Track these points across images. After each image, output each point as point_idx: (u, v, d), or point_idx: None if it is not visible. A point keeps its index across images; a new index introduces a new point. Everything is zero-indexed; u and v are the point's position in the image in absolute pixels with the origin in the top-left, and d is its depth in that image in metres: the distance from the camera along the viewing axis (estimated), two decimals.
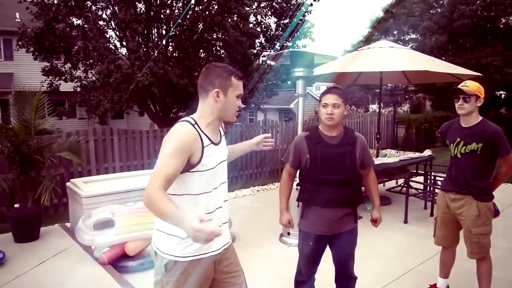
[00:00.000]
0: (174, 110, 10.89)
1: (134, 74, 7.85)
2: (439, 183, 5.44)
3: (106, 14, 9.78)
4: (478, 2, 20.19)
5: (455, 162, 2.74)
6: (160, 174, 1.46)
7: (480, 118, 2.66)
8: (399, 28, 23.05)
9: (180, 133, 1.56)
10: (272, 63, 9.22)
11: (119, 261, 3.39)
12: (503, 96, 22.80)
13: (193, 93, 8.94)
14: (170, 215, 1.35)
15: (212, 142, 1.65)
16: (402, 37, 23.61)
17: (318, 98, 2.46)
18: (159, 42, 9.92)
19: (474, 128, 2.63)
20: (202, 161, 1.58)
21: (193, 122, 1.62)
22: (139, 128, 7.42)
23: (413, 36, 23.36)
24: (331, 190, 2.28)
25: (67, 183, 4.62)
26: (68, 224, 4.71)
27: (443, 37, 19.42)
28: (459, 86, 2.63)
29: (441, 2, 21.22)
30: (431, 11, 21.26)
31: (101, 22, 9.71)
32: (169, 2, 9.51)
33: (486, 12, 19.78)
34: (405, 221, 4.87)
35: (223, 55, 10.45)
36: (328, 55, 4.34)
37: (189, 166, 1.56)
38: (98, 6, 9.66)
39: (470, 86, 2.60)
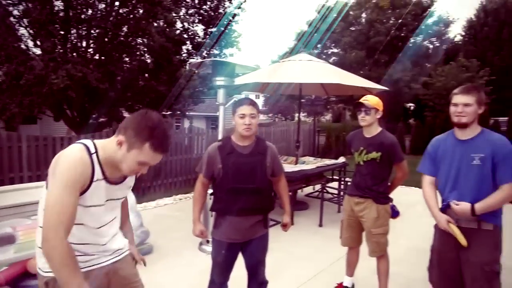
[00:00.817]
0: (94, 116, 10.33)
1: (48, 76, 7.30)
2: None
3: (18, 11, 9.00)
4: (391, 21, 22.18)
5: (359, 169, 2.98)
6: (63, 218, 1.29)
7: (380, 129, 2.93)
8: (322, 42, 24.41)
9: (70, 162, 1.35)
10: (197, 71, 9.20)
11: (19, 281, 3.10)
12: (412, 108, 25.20)
13: (115, 98, 8.58)
14: (67, 281, 1.29)
15: (106, 179, 1.46)
16: (325, 51, 25.03)
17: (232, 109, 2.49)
18: (78, 44, 9.37)
19: (374, 138, 2.89)
20: (85, 195, 1.40)
21: (92, 150, 1.42)
22: (54, 135, 6.92)
23: (335, 50, 24.91)
24: (243, 199, 2.33)
25: None
26: None
27: (362, 52, 21.01)
28: (360, 100, 2.88)
29: (359, 20, 22.93)
30: (351, 28, 22.91)
31: (11, 19, 8.89)
32: (91, 1, 9.03)
33: (398, 32, 21.84)
34: (320, 225, 5.14)
35: (148, 60, 10.18)
36: (248, 66, 4.48)
37: None
38: (8, 1, 8.85)
39: (370, 100, 2.86)
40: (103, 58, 9.37)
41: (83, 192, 1.39)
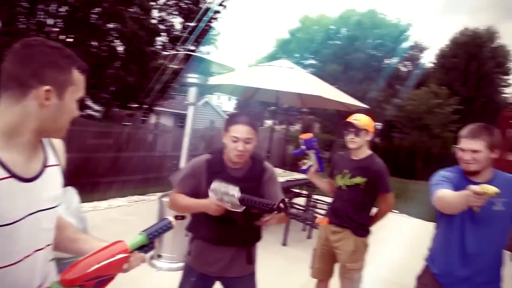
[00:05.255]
0: None
1: (2, 51, 6.57)
2: (318, 205, 5.56)
3: None
4: (368, 40, 22.52)
5: (340, 194, 2.66)
6: None
7: (369, 152, 2.61)
8: (301, 52, 24.44)
9: None
10: (171, 65, 8.70)
11: None
12: (379, 127, 25.74)
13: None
14: None
15: (14, 175, 0.93)
16: (302, 61, 25.05)
17: (223, 116, 2.06)
18: (45, 21, 8.62)
19: (362, 162, 2.57)
20: None
21: None
22: None
23: (313, 62, 24.98)
24: (225, 226, 1.88)
25: None
26: None
27: (339, 66, 21.16)
28: (350, 120, 2.56)
29: (339, 35, 23.17)
30: (330, 42, 23.10)
31: None
32: None
33: (375, 51, 22.23)
34: (284, 244, 4.80)
35: (118, 48, 9.56)
36: (226, 66, 4.10)
37: None
38: None
39: (361, 120, 2.54)
40: (69, 39, 8.69)
41: None
